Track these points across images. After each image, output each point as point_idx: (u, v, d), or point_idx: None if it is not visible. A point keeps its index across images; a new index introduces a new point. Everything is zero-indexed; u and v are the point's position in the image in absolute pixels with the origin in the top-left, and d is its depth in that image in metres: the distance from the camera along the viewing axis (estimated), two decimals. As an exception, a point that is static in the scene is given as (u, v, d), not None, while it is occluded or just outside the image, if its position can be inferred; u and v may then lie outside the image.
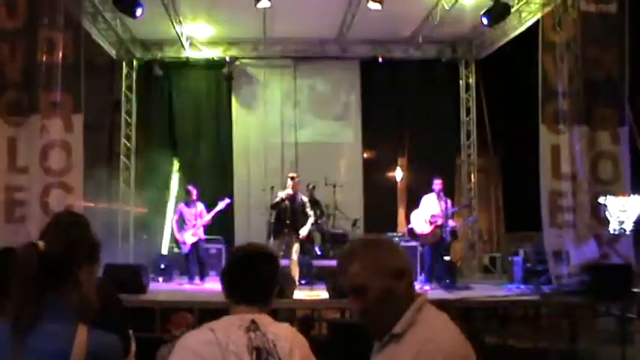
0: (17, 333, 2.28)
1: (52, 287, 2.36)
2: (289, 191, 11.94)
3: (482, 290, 11.44)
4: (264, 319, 2.65)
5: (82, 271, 2.47)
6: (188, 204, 12.89)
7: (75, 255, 2.46)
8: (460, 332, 2.38)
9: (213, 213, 12.75)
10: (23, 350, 2.27)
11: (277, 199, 12.10)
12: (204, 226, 12.79)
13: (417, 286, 12.32)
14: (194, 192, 12.88)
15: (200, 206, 12.86)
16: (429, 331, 2.33)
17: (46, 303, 2.34)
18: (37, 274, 2.33)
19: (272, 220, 12.72)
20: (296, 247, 11.77)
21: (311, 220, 12.14)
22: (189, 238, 12.63)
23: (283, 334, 2.64)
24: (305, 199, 12.34)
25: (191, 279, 12.62)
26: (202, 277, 12.66)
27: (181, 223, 12.88)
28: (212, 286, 12.15)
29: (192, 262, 12.74)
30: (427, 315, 2.40)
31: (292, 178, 12.12)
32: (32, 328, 2.30)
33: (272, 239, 12.21)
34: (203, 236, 12.81)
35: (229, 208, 13.32)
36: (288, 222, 11.91)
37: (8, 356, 2.28)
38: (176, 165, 15.62)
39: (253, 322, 2.61)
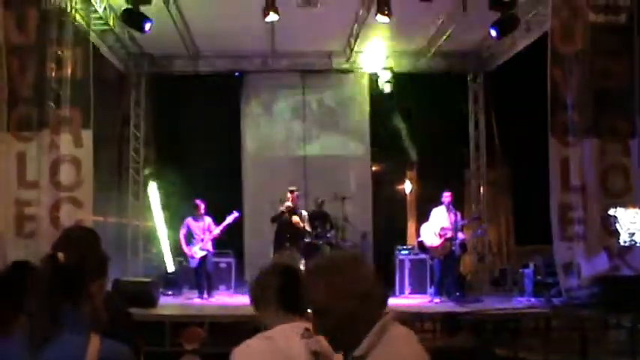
0: (34, 344, 2.33)
1: (67, 299, 2.41)
2: (288, 204, 12.09)
3: (493, 303, 11.48)
4: (311, 328, 2.78)
5: (92, 284, 2.63)
6: (196, 218, 12.92)
7: (87, 268, 2.57)
8: (423, 353, 2.36)
9: (221, 227, 12.78)
10: None
11: (277, 213, 12.24)
12: (212, 239, 12.81)
13: (428, 298, 12.37)
14: (202, 206, 12.90)
15: (208, 220, 12.89)
16: (389, 354, 2.29)
17: (61, 314, 2.37)
18: (55, 285, 2.38)
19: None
20: (300, 259, 11.79)
21: (308, 229, 12.43)
22: (197, 252, 12.66)
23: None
24: (305, 213, 12.45)
25: (201, 293, 12.66)
26: (209, 292, 12.66)
27: (189, 237, 12.90)
28: (221, 299, 12.16)
29: (200, 277, 12.77)
30: (391, 336, 2.34)
31: (291, 192, 12.29)
32: (49, 340, 2.33)
33: (272, 253, 12.27)
34: (212, 250, 12.84)
35: (238, 221, 13.34)
36: (288, 235, 12.03)
37: None
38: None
39: (307, 329, 2.80)
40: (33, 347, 2.33)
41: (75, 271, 2.47)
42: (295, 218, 12.33)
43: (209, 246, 12.74)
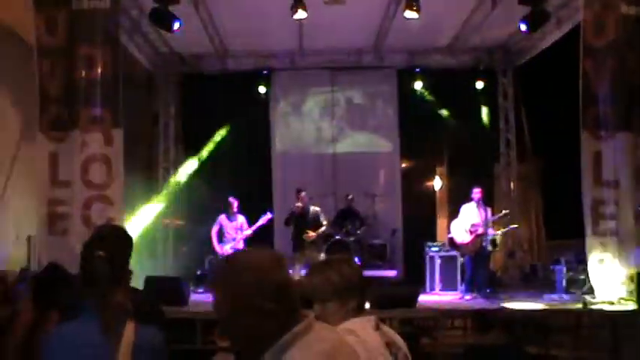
0: (105, 329, 2.68)
1: (114, 289, 2.77)
2: (298, 204, 12.15)
3: (523, 299, 11.35)
4: (378, 320, 2.95)
5: (128, 270, 2.95)
6: (229, 216, 12.95)
7: (122, 262, 2.91)
8: None
9: (254, 227, 12.80)
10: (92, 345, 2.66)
11: (287, 215, 12.32)
12: (243, 239, 12.86)
13: (458, 295, 12.33)
14: (235, 203, 12.90)
15: (241, 219, 12.90)
16: None
17: (102, 302, 2.73)
18: (108, 281, 2.75)
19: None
20: (321, 257, 11.85)
21: (324, 227, 12.47)
22: (228, 251, 12.69)
23: (394, 332, 3.02)
24: (317, 208, 12.51)
25: None
26: None
27: (221, 235, 12.95)
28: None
29: None
30: (301, 347, 2.10)
31: (298, 191, 12.31)
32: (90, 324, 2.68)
33: (294, 252, 12.33)
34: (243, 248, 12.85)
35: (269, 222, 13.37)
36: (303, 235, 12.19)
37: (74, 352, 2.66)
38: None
39: (377, 322, 2.92)
40: (104, 330, 2.68)
41: (114, 266, 2.80)
42: (307, 234, 12.35)
43: (240, 245, 12.77)
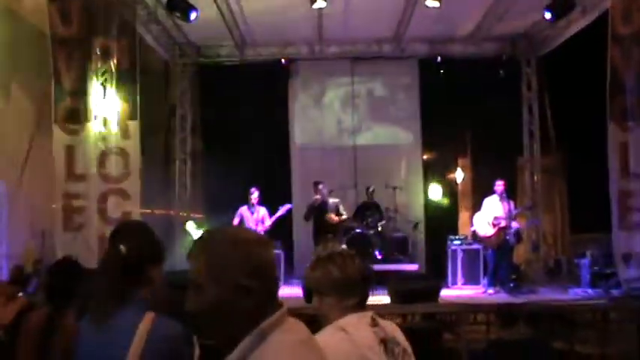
0: (95, 319, 2.84)
1: (128, 283, 2.89)
2: (316, 197, 12.08)
3: (548, 294, 11.39)
4: (377, 316, 2.94)
5: (151, 268, 3.00)
6: (250, 207, 12.88)
7: (145, 255, 3.00)
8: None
9: (274, 219, 12.75)
10: (104, 333, 2.78)
11: (306, 210, 12.26)
12: (264, 231, 12.79)
13: (481, 289, 12.26)
14: (255, 193, 12.83)
15: (262, 211, 12.84)
16: None
17: (123, 296, 2.86)
18: (119, 273, 2.88)
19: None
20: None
21: (344, 216, 12.53)
22: None
23: (394, 327, 3.02)
24: (336, 200, 12.45)
25: None
26: None
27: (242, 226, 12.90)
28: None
29: None
30: (274, 340, 1.96)
31: (316, 184, 12.24)
32: (110, 315, 2.80)
33: (316, 246, 12.25)
34: None
35: (288, 212, 13.32)
36: (325, 228, 12.07)
37: (92, 339, 2.81)
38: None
39: (373, 318, 2.90)
40: (94, 321, 2.83)
41: (135, 260, 2.93)
42: (330, 216, 12.28)
43: None
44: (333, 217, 12.32)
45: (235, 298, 1.96)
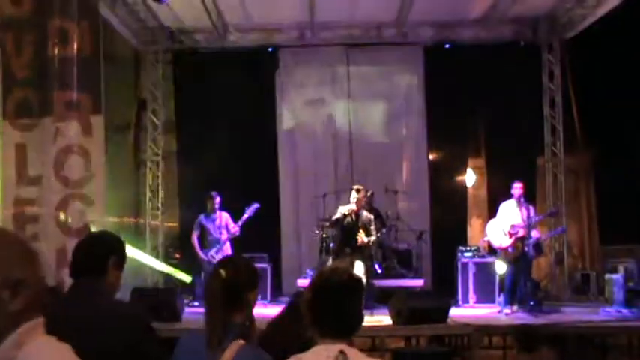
0: (211, 346, 3.11)
1: (230, 309, 3.20)
2: (352, 207, 11.79)
3: (574, 314, 11.28)
4: (352, 352, 2.85)
5: (248, 294, 3.30)
6: (208, 215, 12.65)
7: (244, 281, 3.31)
8: None
9: (240, 222, 12.49)
10: None
11: (339, 215, 11.93)
12: (230, 240, 12.54)
13: (497, 308, 12.15)
14: (217, 199, 12.61)
15: (225, 216, 12.62)
16: None
17: (227, 325, 3.16)
18: (222, 298, 3.20)
19: (331, 238, 12.49)
20: (360, 267, 11.51)
21: (373, 237, 12.00)
22: (214, 256, 12.34)
23: None
24: (370, 216, 12.16)
25: None
26: None
27: (204, 239, 12.62)
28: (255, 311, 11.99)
29: None
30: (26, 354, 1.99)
31: (358, 191, 11.94)
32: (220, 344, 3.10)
33: (331, 259, 12.02)
34: (230, 252, 12.52)
35: (275, 220, 13.13)
36: (352, 243, 11.78)
37: None
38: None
39: (342, 352, 2.82)
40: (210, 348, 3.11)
41: (236, 285, 3.26)
42: (360, 235, 11.98)
43: (228, 248, 12.46)
44: (363, 237, 11.98)
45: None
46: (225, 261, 3.58)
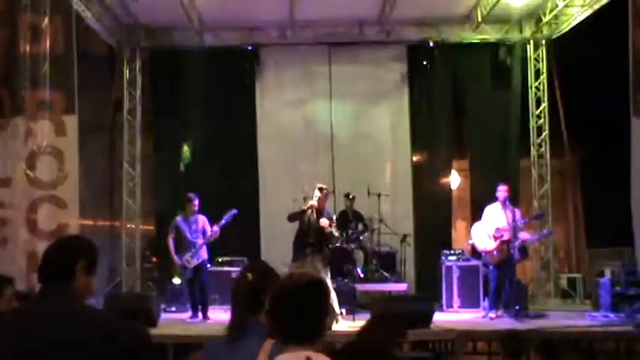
0: (230, 340, 3.46)
1: (253, 310, 3.46)
2: (313, 203, 11.66)
3: (561, 319, 11.28)
4: (320, 357, 2.87)
5: (265, 297, 3.25)
6: (186, 218, 12.44)
7: (268, 286, 3.33)
8: None
9: (217, 228, 12.27)
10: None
11: (297, 210, 11.84)
12: (206, 244, 12.36)
13: (481, 313, 12.12)
14: (196, 201, 12.39)
15: (202, 219, 12.42)
16: None
17: (248, 323, 3.46)
18: (246, 299, 3.50)
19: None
20: (323, 269, 11.42)
21: (336, 235, 12.06)
22: (189, 260, 12.14)
23: None
24: (334, 216, 12.07)
25: (194, 313, 12.06)
26: (204, 311, 12.06)
27: (179, 242, 12.38)
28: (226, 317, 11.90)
29: (194, 292, 12.21)
30: None
31: (321, 190, 11.82)
32: (239, 342, 3.42)
33: (293, 262, 11.87)
34: (206, 257, 12.34)
35: (254, 223, 13.01)
36: (311, 241, 11.64)
37: None
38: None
39: (308, 358, 2.84)
40: (228, 343, 3.46)
41: (260, 287, 3.43)
42: (323, 220, 11.89)
43: (203, 252, 12.25)
44: (325, 222, 11.85)
45: None
46: (253, 265, 4.06)
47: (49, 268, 3.58)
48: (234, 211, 12.22)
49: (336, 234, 12.15)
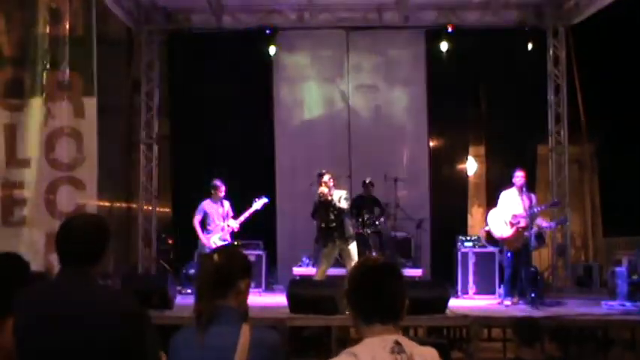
0: (200, 331, 3.27)
1: (221, 294, 3.35)
2: (322, 190, 11.66)
3: (577, 307, 11.18)
4: (407, 341, 2.95)
5: (240, 282, 3.43)
6: (215, 201, 12.55)
7: (236, 268, 3.44)
8: None
9: (247, 214, 12.35)
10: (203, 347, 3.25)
11: (313, 207, 11.89)
12: (232, 231, 12.45)
13: (497, 300, 12.12)
14: (222, 187, 12.50)
15: (227, 205, 12.52)
16: None
17: (217, 308, 3.32)
18: (213, 282, 3.36)
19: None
20: (352, 252, 11.45)
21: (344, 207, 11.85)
22: (216, 242, 12.26)
23: (429, 357, 2.99)
24: (343, 192, 11.97)
25: None
26: None
27: (205, 224, 12.50)
28: (250, 300, 11.95)
29: None
30: None
31: (321, 175, 11.80)
32: (209, 329, 3.27)
33: (323, 248, 11.89)
34: (229, 240, 12.43)
35: (271, 205, 13.03)
36: (334, 225, 11.65)
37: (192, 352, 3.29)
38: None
39: (397, 343, 2.90)
40: (199, 335, 3.28)
41: (227, 271, 3.40)
42: (321, 188, 11.83)
43: (228, 236, 12.37)
44: (325, 192, 11.79)
45: None
46: (220, 248, 3.76)
47: (78, 250, 3.54)
48: (266, 199, 12.30)
49: (344, 207, 11.97)
